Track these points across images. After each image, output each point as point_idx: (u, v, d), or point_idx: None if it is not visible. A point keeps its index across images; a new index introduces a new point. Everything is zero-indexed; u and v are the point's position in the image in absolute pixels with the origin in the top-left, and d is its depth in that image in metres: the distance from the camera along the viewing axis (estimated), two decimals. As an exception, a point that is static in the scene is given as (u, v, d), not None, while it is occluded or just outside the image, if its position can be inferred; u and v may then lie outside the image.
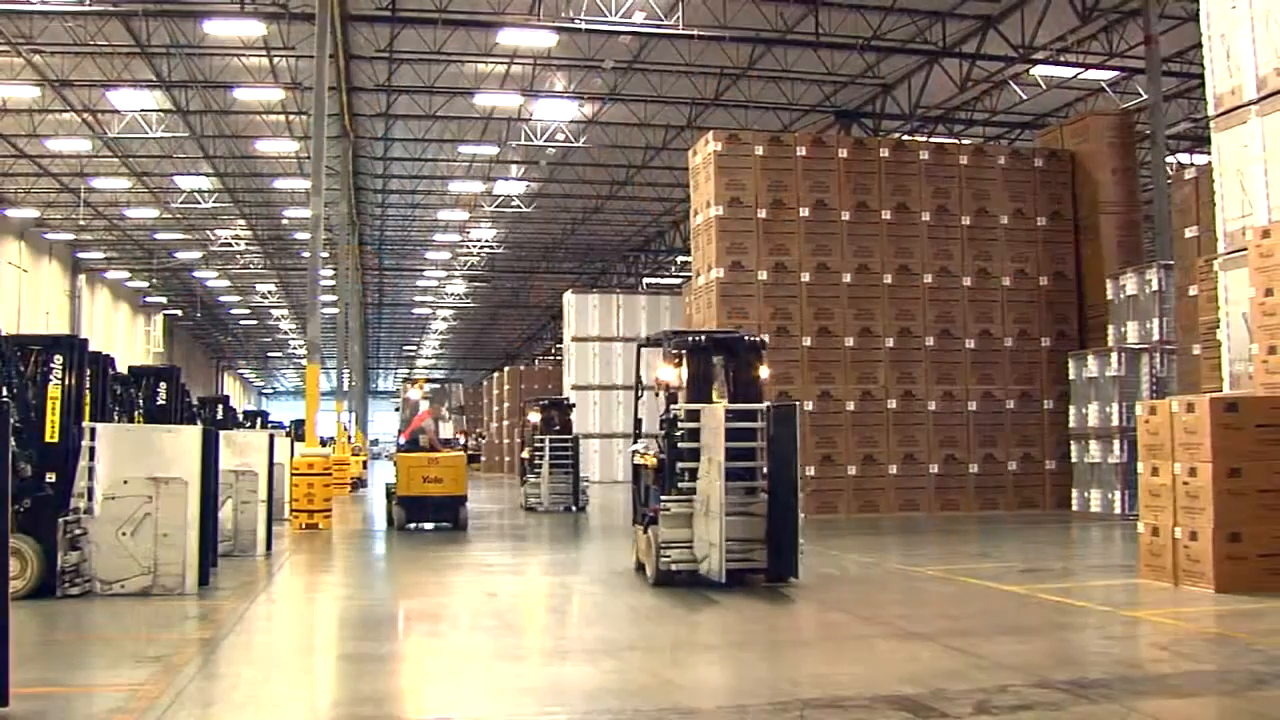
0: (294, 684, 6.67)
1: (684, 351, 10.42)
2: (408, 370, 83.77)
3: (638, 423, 11.76)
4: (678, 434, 9.79)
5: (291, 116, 27.92)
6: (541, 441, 20.57)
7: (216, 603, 9.25)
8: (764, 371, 10.45)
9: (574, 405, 23.96)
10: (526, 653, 7.45)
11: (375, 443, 66.23)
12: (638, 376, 11.45)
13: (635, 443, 11.60)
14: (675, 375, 10.46)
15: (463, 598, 10.24)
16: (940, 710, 5.41)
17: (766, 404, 9.88)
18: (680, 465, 9.76)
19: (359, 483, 31.20)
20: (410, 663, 7.23)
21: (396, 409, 19.01)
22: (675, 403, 10.31)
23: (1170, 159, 27.28)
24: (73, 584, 9.10)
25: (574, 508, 20.33)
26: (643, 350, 11.58)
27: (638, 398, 11.51)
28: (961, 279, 19.12)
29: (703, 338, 10.66)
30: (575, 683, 6.29)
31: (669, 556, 9.60)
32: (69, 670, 6.75)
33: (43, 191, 35.43)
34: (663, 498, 9.84)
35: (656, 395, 11.08)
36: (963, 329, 19.07)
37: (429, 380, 19.83)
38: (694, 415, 9.78)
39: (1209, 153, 11.56)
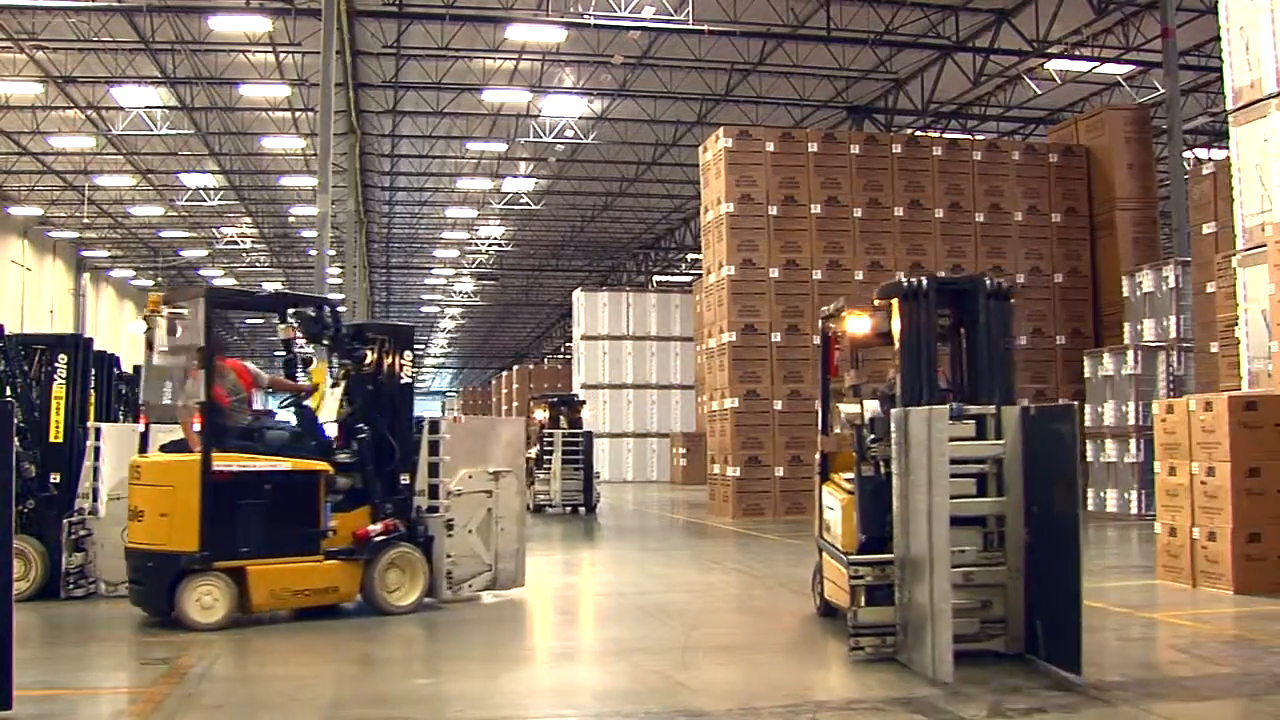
0: (302, 685, 6.58)
1: (547, 402, 21.90)
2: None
3: (528, 436, 18.39)
4: (546, 443, 19.44)
5: (298, 113, 27.82)
6: None
7: (223, 604, 9.13)
8: (585, 414, 21.73)
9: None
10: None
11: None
12: (528, 418, 21.13)
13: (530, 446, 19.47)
14: (544, 414, 21.24)
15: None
16: (954, 712, 5.34)
17: (584, 431, 20.12)
18: (545, 457, 19.27)
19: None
20: (414, 663, 7.13)
21: None
22: (545, 427, 20.32)
23: (1188, 154, 27.04)
24: (77, 585, 9.02)
25: None
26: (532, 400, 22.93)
27: (528, 419, 20.66)
28: (975, 276, 18.95)
29: (555, 397, 23.01)
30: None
31: (540, 499, 19.16)
32: (73, 673, 6.68)
33: (46, 189, 35.43)
34: (537, 471, 19.12)
35: (536, 424, 20.76)
36: (976, 327, 18.87)
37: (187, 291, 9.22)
38: (552, 434, 19.59)
39: (1227, 147, 11.43)
